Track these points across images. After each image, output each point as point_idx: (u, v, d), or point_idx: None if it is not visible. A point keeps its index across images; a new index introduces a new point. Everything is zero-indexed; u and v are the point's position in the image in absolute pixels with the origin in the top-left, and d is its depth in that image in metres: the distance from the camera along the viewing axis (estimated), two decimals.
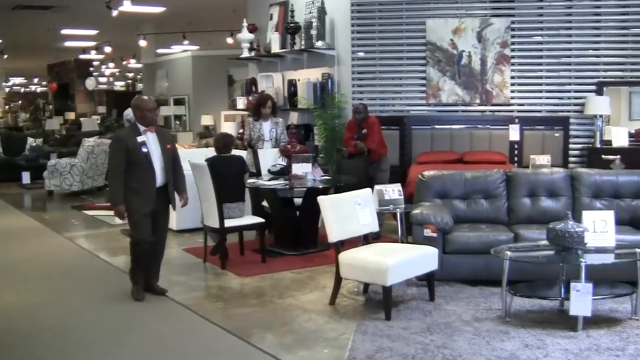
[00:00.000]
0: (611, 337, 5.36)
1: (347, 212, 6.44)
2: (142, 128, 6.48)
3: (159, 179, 6.55)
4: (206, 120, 19.30)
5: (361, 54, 11.02)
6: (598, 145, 10.21)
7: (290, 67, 12.08)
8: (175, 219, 9.77)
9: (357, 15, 10.91)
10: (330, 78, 11.10)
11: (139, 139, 6.41)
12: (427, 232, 6.78)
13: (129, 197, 6.41)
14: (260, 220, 8.14)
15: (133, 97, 6.88)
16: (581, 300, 5.39)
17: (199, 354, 5.28)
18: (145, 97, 6.78)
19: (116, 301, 6.70)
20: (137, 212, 6.45)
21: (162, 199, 6.65)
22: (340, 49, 11.12)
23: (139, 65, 25.38)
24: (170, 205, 6.88)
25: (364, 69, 11.02)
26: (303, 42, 11.28)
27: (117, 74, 35.08)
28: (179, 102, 21.73)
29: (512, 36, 10.64)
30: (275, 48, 11.82)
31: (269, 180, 8.66)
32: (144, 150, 6.40)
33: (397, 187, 8.11)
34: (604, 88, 10.51)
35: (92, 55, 24.13)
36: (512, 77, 10.72)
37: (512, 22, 10.63)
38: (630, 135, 10.27)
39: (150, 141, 6.49)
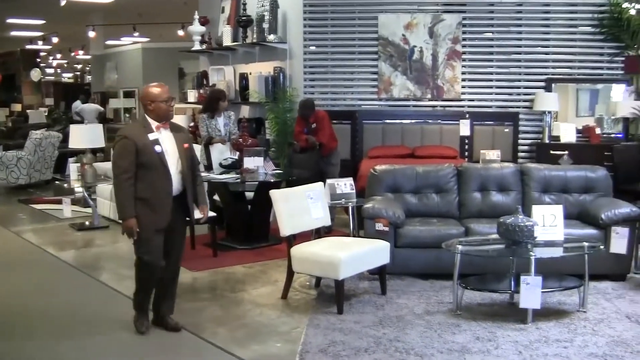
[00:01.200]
0: (560, 329, 5.45)
1: (299, 206, 6.44)
2: (153, 123, 5.30)
3: (176, 186, 5.33)
4: None
5: (313, 48, 11.02)
6: (547, 140, 10.37)
7: (241, 61, 12.03)
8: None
9: (310, 9, 10.90)
10: (282, 72, 11.08)
11: (151, 136, 5.24)
12: (379, 226, 6.81)
13: (137, 209, 5.17)
14: (211, 214, 8.08)
15: (149, 87, 5.45)
16: (531, 293, 5.47)
17: (150, 350, 5.24)
18: (157, 85, 5.43)
19: (64, 294, 6.61)
20: (147, 228, 5.21)
21: (178, 211, 5.41)
22: (293, 43, 11.10)
23: (88, 57, 25.05)
24: (188, 220, 5.65)
25: (315, 63, 11.02)
26: (255, 36, 11.24)
27: (65, 65, 34.54)
28: (128, 94, 21.53)
29: (463, 32, 10.74)
30: (227, 41, 11.77)
31: (221, 174, 8.62)
32: (158, 150, 5.21)
33: (349, 181, 8.13)
34: (553, 85, 10.68)
35: (39, 45, 23.73)
36: (463, 73, 10.82)
37: (464, 19, 10.73)
38: (578, 131, 10.45)
39: (164, 139, 5.31)
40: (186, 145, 5.45)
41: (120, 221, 5.23)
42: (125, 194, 5.17)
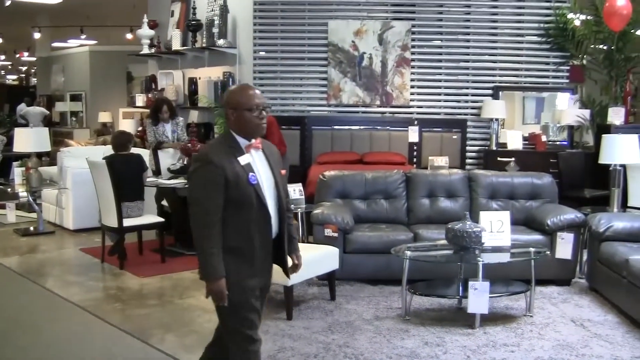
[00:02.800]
0: (507, 333, 5.52)
1: None
2: (242, 142, 3.79)
3: (274, 229, 3.86)
4: (104, 117, 18.90)
5: (263, 54, 11.00)
6: (494, 147, 10.49)
7: (191, 65, 11.96)
8: (72, 218, 9.55)
9: (260, 14, 10.87)
10: (232, 77, 11.04)
11: (242, 160, 3.72)
12: (328, 232, 6.82)
13: (226, 263, 3.66)
14: (159, 219, 8.03)
15: (233, 89, 3.93)
16: (478, 298, 5.53)
17: (96, 357, 5.16)
18: (243, 88, 3.91)
19: (7, 301, 6.48)
20: (241, 289, 3.74)
21: (271, 260, 3.97)
22: (242, 48, 11.07)
23: (33, 59, 24.64)
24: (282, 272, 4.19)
25: (265, 68, 10.99)
26: (204, 40, 11.18)
27: (9, 67, 33.94)
28: (75, 97, 21.18)
29: (413, 39, 10.82)
30: (176, 45, 11.67)
31: (169, 179, 8.55)
32: (253, 180, 3.70)
33: (298, 186, 8.13)
34: (500, 92, 10.82)
35: None
36: (412, 80, 10.90)
37: (413, 26, 10.82)
38: (524, 138, 10.60)
39: (256, 164, 3.79)
40: (283, 171, 4.04)
41: (204, 281, 3.67)
42: (212, 244, 3.61)
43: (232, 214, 3.66)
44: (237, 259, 3.70)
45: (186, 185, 7.84)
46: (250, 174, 3.69)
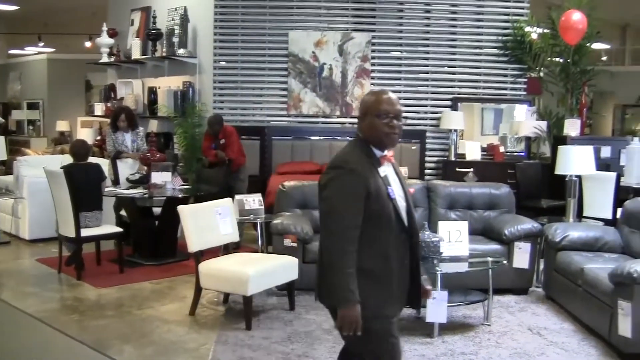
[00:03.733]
0: (465, 342, 5.57)
1: (207, 222, 6.40)
2: (377, 152, 3.41)
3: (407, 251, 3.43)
4: (62, 126, 18.71)
5: (223, 63, 10.98)
6: (453, 158, 10.59)
7: (150, 74, 11.89)
8: (28, 228, 9.44)
9: (220, 24, 10.86)
10: (192, 86, 11.01)
11: (381, 171, 3.36)
12: (288, 242, 6.82)
13: (362, 289, 3.18)
14: (118, 229, 7.97)
15: (368, 93, 3.57)
16: (437, 307, 5.57)
17: None
18: (378, 93, 3.47)
19: None
20: (385, 318, 3.33)
21: (407, 286, 3.46)
22: (202, 58, 11.05)
23: None
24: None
25: (225, 78, 10.98)
26: (164, 49, 11.14)
27: None
28: (32, 106, 20.92)
29: (373, 51, 10.89)
30: (136, 54, 11.61)
31: (128, 188, 8.50)
32: (392, 195, 3.33)
33: (258, 197, 8.13)
34: (459, 104, 10.93)
35: None
36: None
37: (373, 37, 10.89)
38: (483, 149, 10.72)
39: (390, 178, 3.41)
40: (412, 190, 3.61)
41: (336, 306, 3.20)
42: (351, 263, 3.14)
43: (369, 230, 3.21)
44: (373, 283, 3.24)
45: (145, 195, 7.86)
46: (389, 188, 3.32)
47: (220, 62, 10.96)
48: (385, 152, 3.40)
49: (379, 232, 3.24)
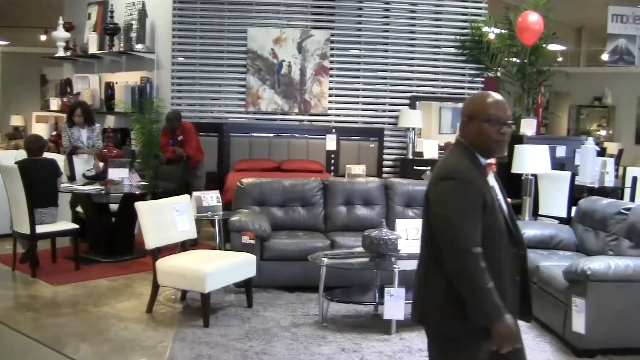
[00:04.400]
0: (422, 338, 5.52)
1: (164, 219, 6.36)
2: (482, 160, 3.17)
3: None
4: (16, 120, 18.43)
5: (181, 59, 10.92)
6: (410, 156, 10.66)
7: (108, 69, 11.77)
8: None
9: (179, 19, 10.80)
10: (149, 82, 10.93)
11: (490, 181, 3.14)
12: (245, 239, 6.80)
13: None
14: (74, 226, 7.88)
15: (475, 95, 3.28)
16: (394, 304, 5.60)
17: None
18: (491, 95, 3.20)
19: None
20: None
21: (518, 303, 3.19)
22: (160, 53, 10.98)
23: None
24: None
25: (183, 74, 10.92)
26: (122, 44, 11.03)
27: None
28: None
29: (332, 48, 10.92)
30: (93, 49, 11.49)
31: (84, 185, 8.41)
32: (504, 206, 3.16)
33: (215, 193, 8.09)
34: (417, 102, 11.01)
35: None
36: (330, 89, 10.99)
37: (332, 35, 10.92)
38: (440, 147, 10.80)
39: (496, 189, 3.18)
40: (509, 199, 3.30)
41: (485, 325, 2.90)
42: (487, 278, 2.88)
43: (483, 245, 2.94)
44: None
45: (102, 192, 7.78)
46: (498, 197, 3.12)
47: (179, 58, 10.89)
48: (490, 160, 3.15)
49: (492, 247, 2.97)
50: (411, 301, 3.31)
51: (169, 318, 6.10)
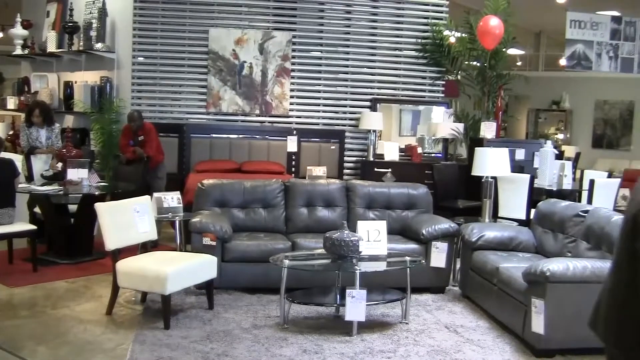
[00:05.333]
0: (383, 340, 5.62)
1: (125, 220, 6.29)
2: None
3: None
4: None
5: (142, 59, 10.83)
6: (371, 158, 10.70)
7: (67, 68, 11.63)
8: None
9: (140, 19, 10.72)
10: (109, 82, 10.83)
11: None
12: (206, 241, 6.76)
13: None
14: (31, 227, 7.76)
15: None
16: (356, 306, 5.60)
17: None
18: None
19: None
20: None
21: None
22: (121, 53, 10.88)
23: None
24: None
25: (144, 74, 10.85)
26: (81, 43, 10.91)
27: None
28: None
29: (293, 50, 10.93)
30: (52, 47, 11.34)
31: (42, 185, 8.29)
32: None
33: (176, 194, 8.03)
34: (378, 104, 11.06)
35: None
36: (292, 90, 11.00)
37: (294, 37, 10.92)
38: (401, 150, 10.87)
39: None
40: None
41: None
42: None
43: None
44: None
45: (60, 192, 7.66)
46: None
47: (139, 58, 10.81)
48: None
49: None
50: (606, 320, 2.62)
51: (129, 320, 6.04)
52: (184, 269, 6.02)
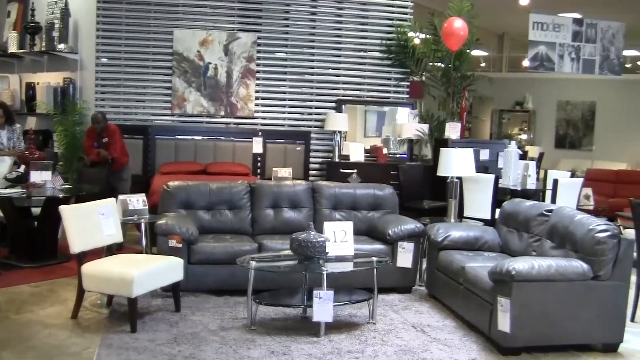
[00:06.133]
0: (351, 340, 5.63)
1: (90, 222, 6.23)
2: None
3: None
4: None
5: (105, 60, 10.74)
6: (336, 159, 10.71)
7: (29, 69, 11.49)
8: None
9: (103, 19, 10.63)
10: (72, 83, 10.74)
11: None
12: (172, 243, 6.72)
13: None
14: None
15: None
16: (323, 307, 5.61)
17: None
18: None
19: None
20: None
21: None
22: (84, 54, 10.78)
23: None
24: None
25: (108, 75, 10.75)
26: (44, 44, 10.80)
27: None
28: None
29: (258, 51, 10.92)
30: (13, 48, 11.20)
31: (5, 188, 8.18)
32: None
33: (142, 197, 7.97)
34: (343, 105, 11.08)
35: None
36: (257, 91, 10.98)
37: (259, 38, 10.91)
38: (366, 151, 10.90)
39: None
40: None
41: None
42: None
43: None
44: None
45: (23, 195, 7.60)
46: None
47: (102, 59, 10.72)
48: None
49: None
50: None
51: (94, 324, 5.98)
52: (150, 272, 5.97)
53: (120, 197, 7.76)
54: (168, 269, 6.20)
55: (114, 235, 6.48)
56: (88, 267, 5.96)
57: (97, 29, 10.63)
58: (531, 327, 5.33)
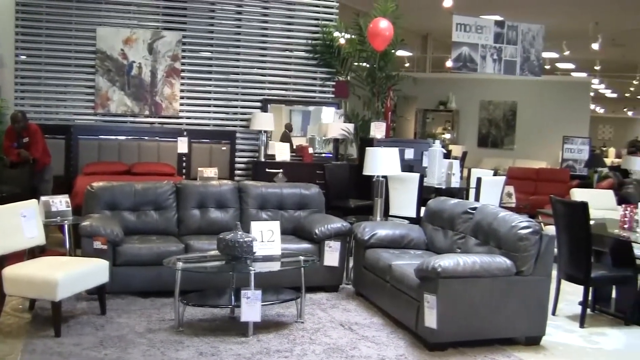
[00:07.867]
0: (280, 340, 5.63)
1: (11, 225, 6.06)
2: None
3: None
4: None
5: (24, 58, 10.50)
6: (262, 159, 10.71)
7: None
8: None
9: (23, 16, 10.39)
10: None
11: None
12: (97, 244, 6.61)
13: None
14: None
15: None
16: (251, 306, 5.59)
17: None
18: None
19: None
20: None
21: None
22: (3, 51, 10.49)
23: None
24: None
25: (28, 73, 10.51)
26: None
27: None
28: None
29: (183, 50, 10.84)
30: None
31: None
32: None
33: (65, 198, 7.81)
34: (268, 105, 11.09)
35: None
36: (182, 91, 10.90)
37: (184, 37, 10.83)
38: (292, 150, 10.91)
39: None
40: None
41: None
42: None
43: None
44: None
45: None
46: None
47: (22, 57, 10.47)
48: None
49: None
50: None
51: (16, 329, 5.84)
52: (75, 274, 5.86)
53: (43, 198, 7.58)
54: (93, 271, 6.09)
55: (36, 237, 6.33)
56: (9, 271, 5.81)
57: (16, 25, 10.38)
58: (457, 323, 5.43)
